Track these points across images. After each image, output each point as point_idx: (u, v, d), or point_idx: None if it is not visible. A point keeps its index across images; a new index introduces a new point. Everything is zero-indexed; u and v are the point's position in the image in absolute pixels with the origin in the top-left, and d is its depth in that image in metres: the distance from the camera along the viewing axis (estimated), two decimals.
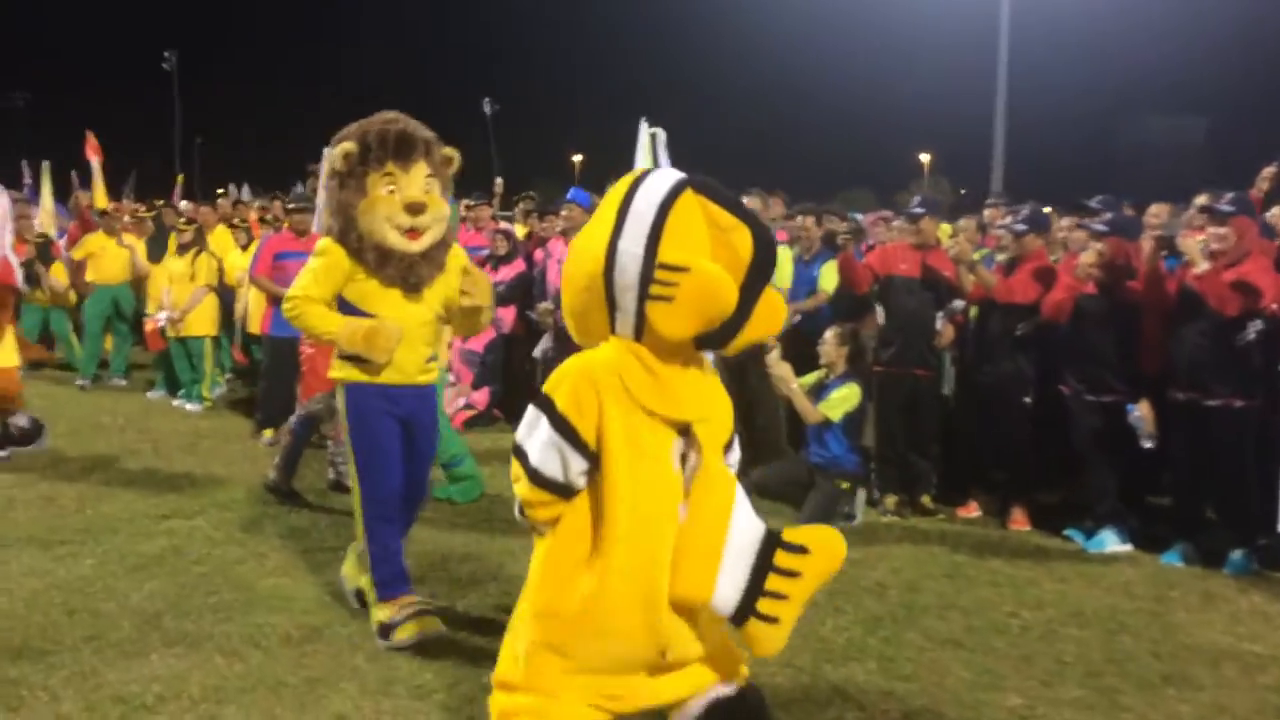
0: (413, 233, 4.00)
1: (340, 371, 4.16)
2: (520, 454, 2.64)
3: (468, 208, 10.55)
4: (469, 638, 4.16)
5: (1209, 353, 5.21)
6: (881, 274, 6.35)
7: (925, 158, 59.28)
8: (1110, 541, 5.60)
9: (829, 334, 6.08)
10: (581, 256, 2.65)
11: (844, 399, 5.93)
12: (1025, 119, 28.22)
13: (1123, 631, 4.51)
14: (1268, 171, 6.55)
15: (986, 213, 7.66)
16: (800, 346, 6.45)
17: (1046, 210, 6.88)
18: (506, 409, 8.91)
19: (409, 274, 4.05)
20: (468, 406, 8.72)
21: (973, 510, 6.24)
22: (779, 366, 5.93)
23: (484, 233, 9.77)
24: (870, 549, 5.55)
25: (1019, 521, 6.01)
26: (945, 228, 7.25)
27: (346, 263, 4.05)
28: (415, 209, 3.97)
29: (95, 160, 11.48)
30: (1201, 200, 5.76)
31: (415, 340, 4.15)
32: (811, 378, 6.16)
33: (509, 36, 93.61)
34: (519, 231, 10.17)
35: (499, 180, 10.71)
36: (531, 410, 2.63)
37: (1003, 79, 22.57)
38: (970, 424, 6.39)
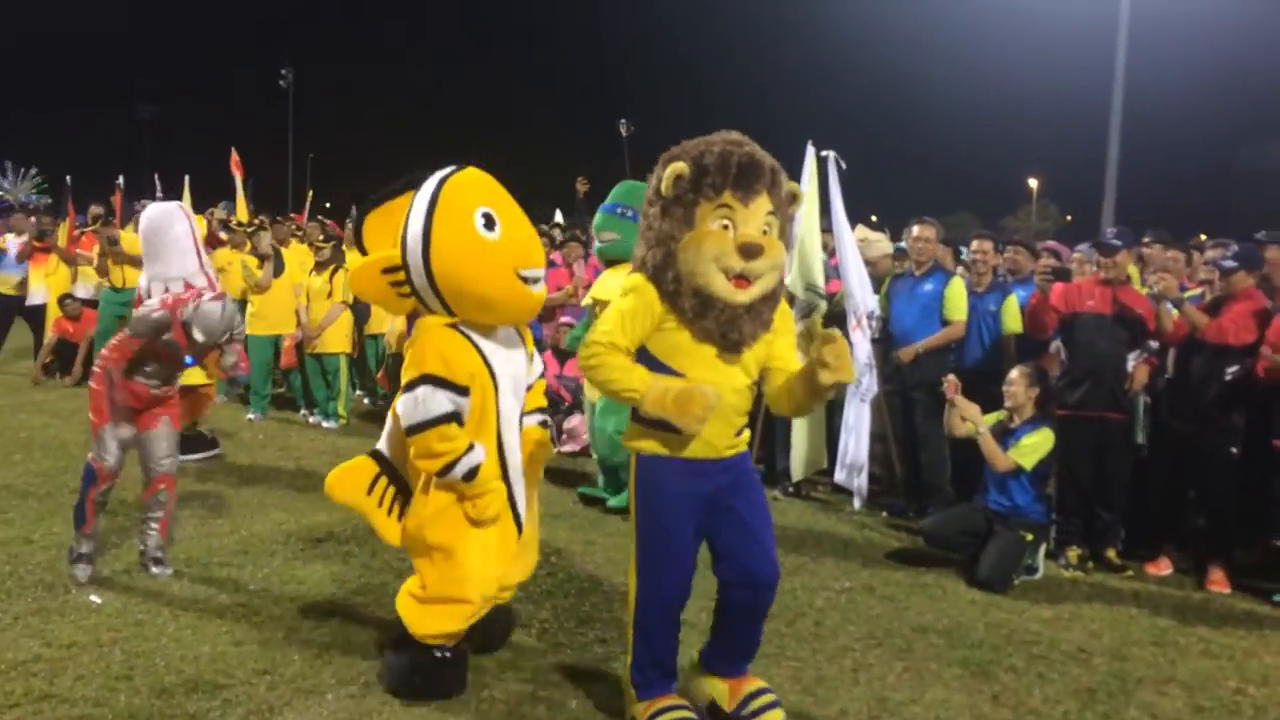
0: (742, 280, 3.26)
1: (635, 439, 3.49)
2: None
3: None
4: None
5: None
6: (1065, 311, 5.93)
7: (1033, 182, 57.92)
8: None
9: (1016, 374, 5.70)
10: None
11: (1036, 445, 5.54)
12: (1139, 144, 27.17)
13: None
14: None
15: (1145, 250, 7.17)
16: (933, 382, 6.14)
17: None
18: None
19: (730, 329, 3.31)
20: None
21: (1164, 568, 5.77)
22: (967, 408, 5.59)
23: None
24: (1060, 607, 5.17)
25: (1218, 583, 5.53)
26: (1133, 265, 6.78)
27: (658, 306, 3.34)
28: (750, 251, 3.22)
29: (239, 175, 11.66)
30: None
31: (726, 409, 3.40)
32: (991, 418, 5.79)
33: (629, 53, 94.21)
34: None
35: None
36: None
37: (1118, 101, 21.71)
38: (1165, 475, 5.91)
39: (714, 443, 3.43)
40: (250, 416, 9.38)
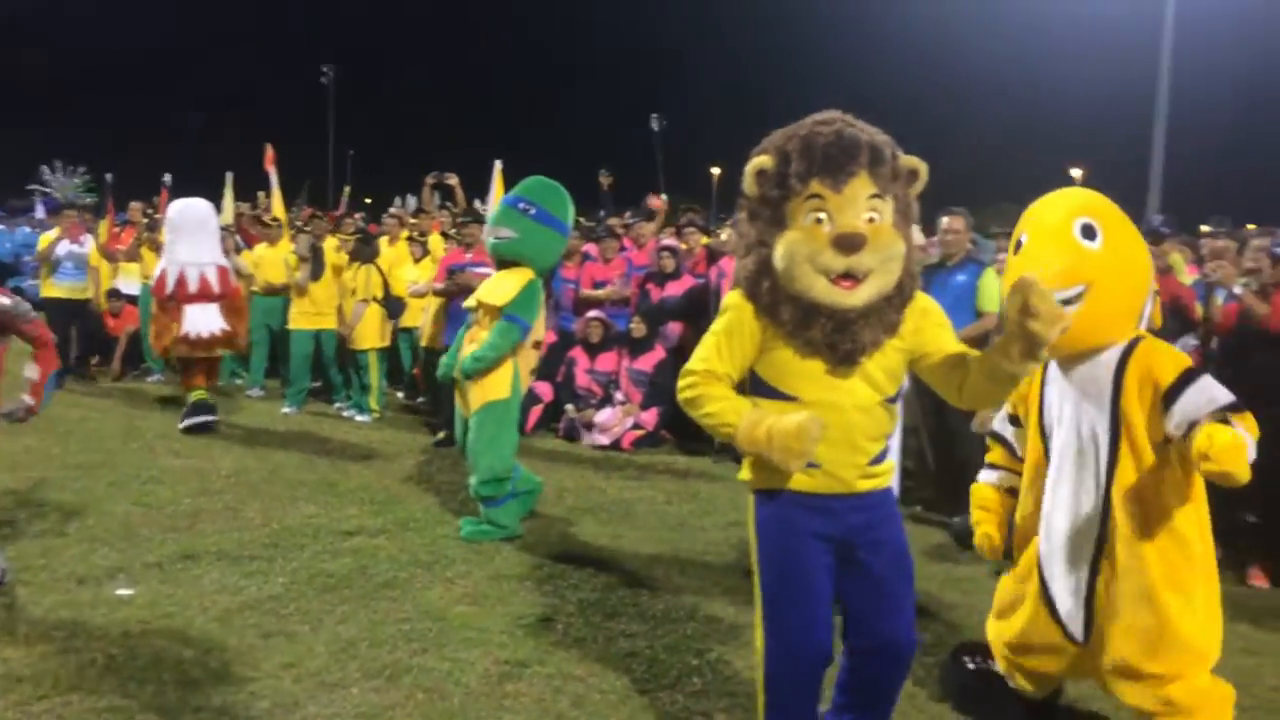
0: (847, 279, 2.78)
1: (748, 472, 3.08)
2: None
3: (625, 226, 10.43)
4: (672, 686, 3.89)
5: None
6: None
7: (1077, 173, 57.10)
8: None
9: None
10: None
11: None
12: (1185, 136, 26.67)
13: None
14: None
15: (1204, 241, 7.02)
16: None
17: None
18: (675, 430, 8.68)
19: (839, 339, 2.83)
20: (636, 427, 8.52)
21: None
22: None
23: (645, 251, 9.60)
24: None
25: (1258, 578, 5.43)
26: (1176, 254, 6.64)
27: (755, 324, 2.91)
28: (849, 244, 2.75)
29: (273, 171, 11.77)
30: None
31: (852, 432, 2.92)
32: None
33: (654, 52, 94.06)
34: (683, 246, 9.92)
35: (664, 197, 10.50)
36: (1210, 378, 3.03)
37: (1163, 92, 21.39)
38: None
39: (840, 474, 2.95)
40: (286, 410, 9.46)
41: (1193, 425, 2.93)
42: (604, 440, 8.43)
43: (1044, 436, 3.34)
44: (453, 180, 10.40)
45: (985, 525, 3.57)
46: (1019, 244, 3.23)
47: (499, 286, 5.76)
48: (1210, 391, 2.97)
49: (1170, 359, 3.07)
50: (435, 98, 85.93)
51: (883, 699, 3.15)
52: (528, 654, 4.13)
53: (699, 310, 8.57)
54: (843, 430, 2.89)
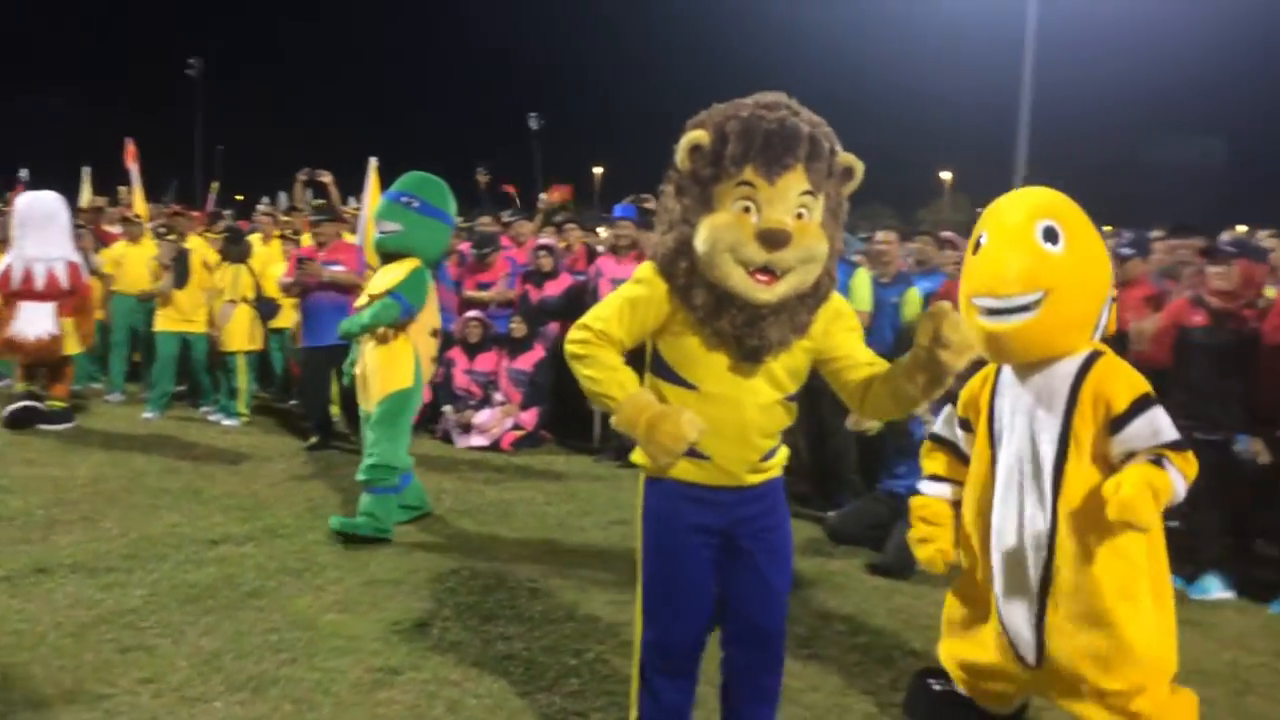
0: (765, 274, 2.70)
1: (639, 456, 2.98)
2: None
3: (504, 224, 10.35)
4: (550, 688, 3.87)
5: None
6: None
7: (946, 175, 59.05)
8: (1214, 588, 5.27)
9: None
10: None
11: None
12: (1047, 138, 27.86)
13: (1249, 691, 4.18)
14: None
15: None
16: None
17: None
18: (556, 430, 8.65)
19: (748, 333, 2.76)
20: (516, 427, 8.46)
21: None
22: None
23: (525, 250, 9.55)
24: None
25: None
26: None
27: (665, 303, 2.83)
28: (773, 240, 2.66)
29: (134, 168, 11.29)
30: None
31: (747, 429, 2.88)
32: None
33: (527, 49, 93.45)
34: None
35: (543, 195, 10.47)
36: (1161, 410, 2.92)
37: (1026, 98, 22.27)
38: None
39: (730, 469, 2.91)
40: (147, 415, 9.09)
41: (1131, 455, 2.88)
42: (483, 441, 8.33)
43: (992, 446, 3.17)
44: (326, 178, 10.15)
45: (938, 542, 3.33)
46: (978, 243, 3.10)
47: (387, 277, 5.77)
48: (1157, 424, 2.88)
49: (1126, 383, 2.95)
50: (309, 93, 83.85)
51: (763, 694, 3.14)
52: (401, 660, 4.05)
53: (578, 309, 8.53)
54: (738, 426, 2.85)
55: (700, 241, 2.73)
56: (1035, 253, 2.94)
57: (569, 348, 2.87)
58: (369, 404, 5.80)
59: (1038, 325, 2.93)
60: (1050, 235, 2.96)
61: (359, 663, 4.02)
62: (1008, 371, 3.14)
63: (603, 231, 9.63)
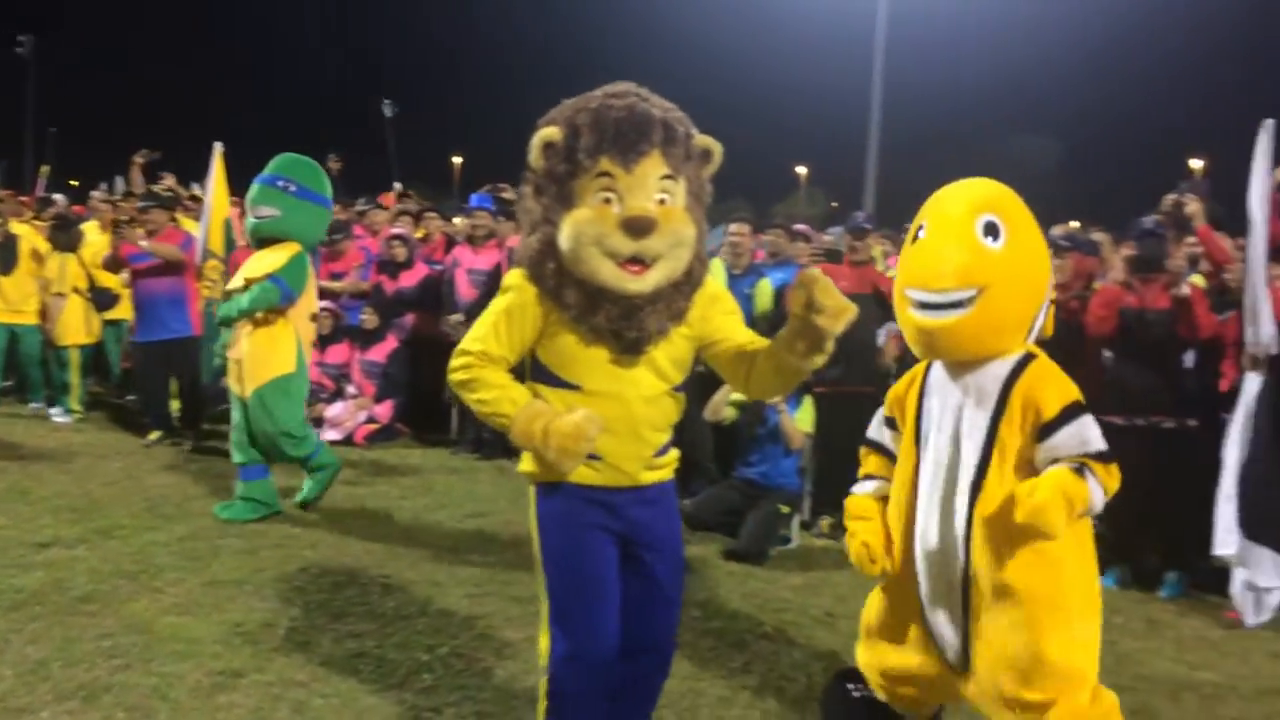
0: (635, 264, 2.65)
1: (529, 464, 2.88)
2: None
3: (359, 213, 10.12)
4: (401, 685, 3.80)
5: (1150, 377, 5.23)
6: None
7: (802, 170, 60.46)
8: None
9: None
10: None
11: (807, 416, 5.82)
12: (897, 135, 28.81)
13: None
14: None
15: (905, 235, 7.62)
16: None
17: None
18: (411, 422, 8.50)
19: (625, 326, 2.70)
20: (370, 420, 8.28)
21: None
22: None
23: (379, 239, 9.36)
24: (811, 574, 5.41)
25: None
26: (878, 246, 7.15)
27: (537, 307, 2.75)
28: (638, 227, 2.61)
29: None
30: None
31: (637, 423, 2.79)
32: (740, 394, 5.94)
33: (382, 35, 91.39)
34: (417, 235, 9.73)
35: (397, 185, 10.25)
36: (1091, 419, 2.78)
37: (877, 96, 23.00)
38: None
39: (623, 467, 2.81)
40: None
41: (1054, 463, 2.80)
42: (335, 435, 8.12)
43: (918, 446, 3.05)
44: (155, 156, 9.70)
45: (863, 534, 3.18)
46: (917, 233, 2.98)
47: (265, 261, 5.73)
48: (1085, 433, 2.80)
49: (1058, 389, 2.84)
50: (152, 76, 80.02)
51: (646, 701, 3.09)
52: (244, 662, 3.91)
53: (435, 300, 8.43)
54: (627, 421, 2.77)
55: (565, 239, 2.67)
56: (974, 248, 2.82)
57: (453, 377, 2.79)
58: (246, 388, 5.75)
59: (970, 323, 2.81)
60: (991, 230, 2.84)
61: (199, 666, 3.86)
62: (938, 370, 3.02)
63: (458, 222, 9.49)
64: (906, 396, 3.13)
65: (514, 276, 2.81)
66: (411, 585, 4.86)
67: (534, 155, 2.75)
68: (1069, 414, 2.79)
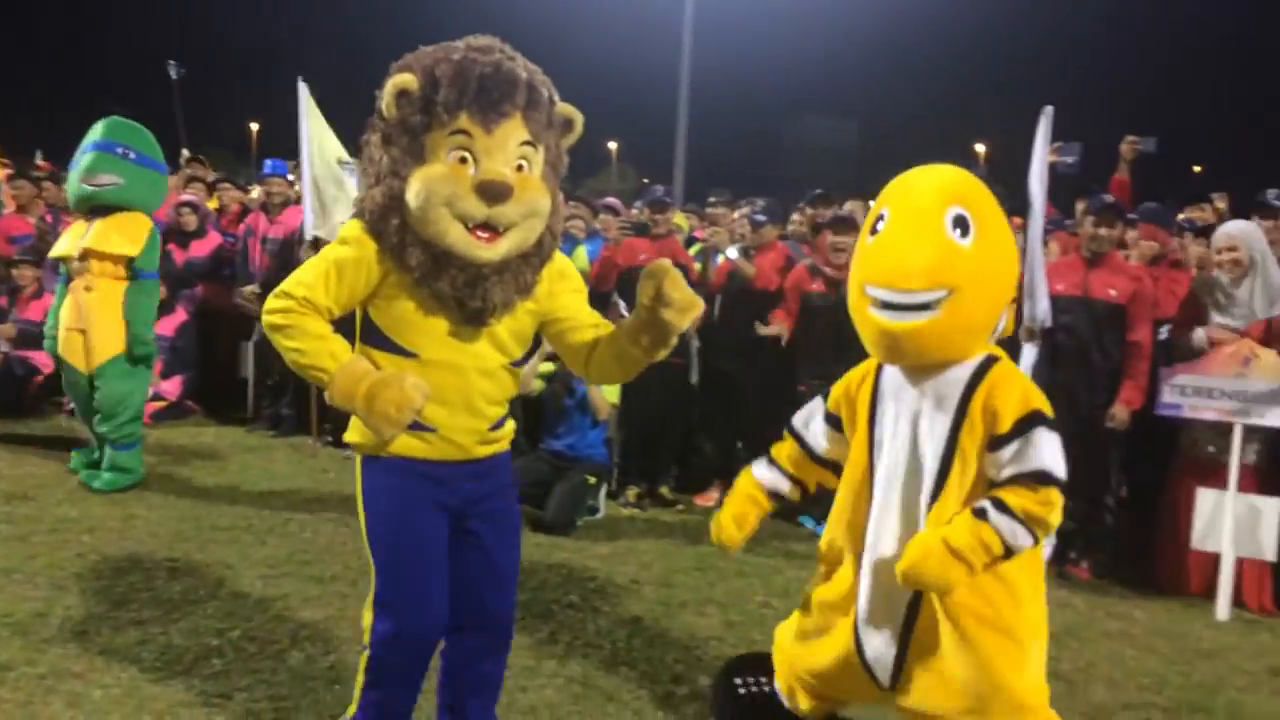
0: (485, 230, 2.53)
1: (356, 434, 2.73)
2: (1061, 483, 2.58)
3: None
4: (188, 671, 3.62)
5: None
6: (624, 265, 6.24)
7: (612, 145, 60.81)
8: (809, 523, 5.86)
9: None
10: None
11: (614, 387, 5.87)
12: (705, 113, 29.38)
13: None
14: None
15: (715, 210, 7.73)
16: None
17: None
18: (204, 400, 8.09)
19: (469, 294, 2.57)
20: (157, 397, 7.80)
21: (712, 499, 6.28)
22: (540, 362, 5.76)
23: (166, 207, 8.81)
24: (617, 543, 5.47)
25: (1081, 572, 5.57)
26: (681, 217, 7.27)
27: (376, 265, 2.59)
28: (494, 192, 2.49)
29: None
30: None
31: (473, 396, 2.68)
32: (548, 366, 5.96)
33: None
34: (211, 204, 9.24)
35: (185, 152, 9.68)
36: (1046, 432, 2.60)
37: (685, 75, 23.37)
38: (716, 413, 6.43)
39: (458, 440, 2.70)
40: None
41: (998, 484, 2.63)
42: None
43: (871, 452, 2.85)
44: None
45: (729, 509, 3.10)
46: (876, 224, 2.72)
47: (114, 235, 5.66)
48: (1028, 448, 2.60)
49: (1018, 397, 2.64)
50: None
51: (486, 683, 2.97)
52: (13, 655, 3.63)
53: (227, 271, 8.04)
54: (463, 394, 2.66)
55: (413, 195, 2.52)
56: (944, 245, 2.60)
57: (268, 319, 2.56)
58: (88, 365, 5.78)
59: (937, 326, 2.60)
60: (961, 225, 2.62)
61: None
62: (893, 372, 2.82)
63: (254, 191, 9.07)
64: (858, 396, 2.91)
65: (353, 228, 2.64)
66: (201, 568, 4.63)
67: (386, 102, 2.56)
68: (1022, 426, 2.61)
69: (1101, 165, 6.52)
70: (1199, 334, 5.17)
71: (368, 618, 2.77)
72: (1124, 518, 5.63)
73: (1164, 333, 5.48)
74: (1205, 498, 4.97)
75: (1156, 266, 6.05)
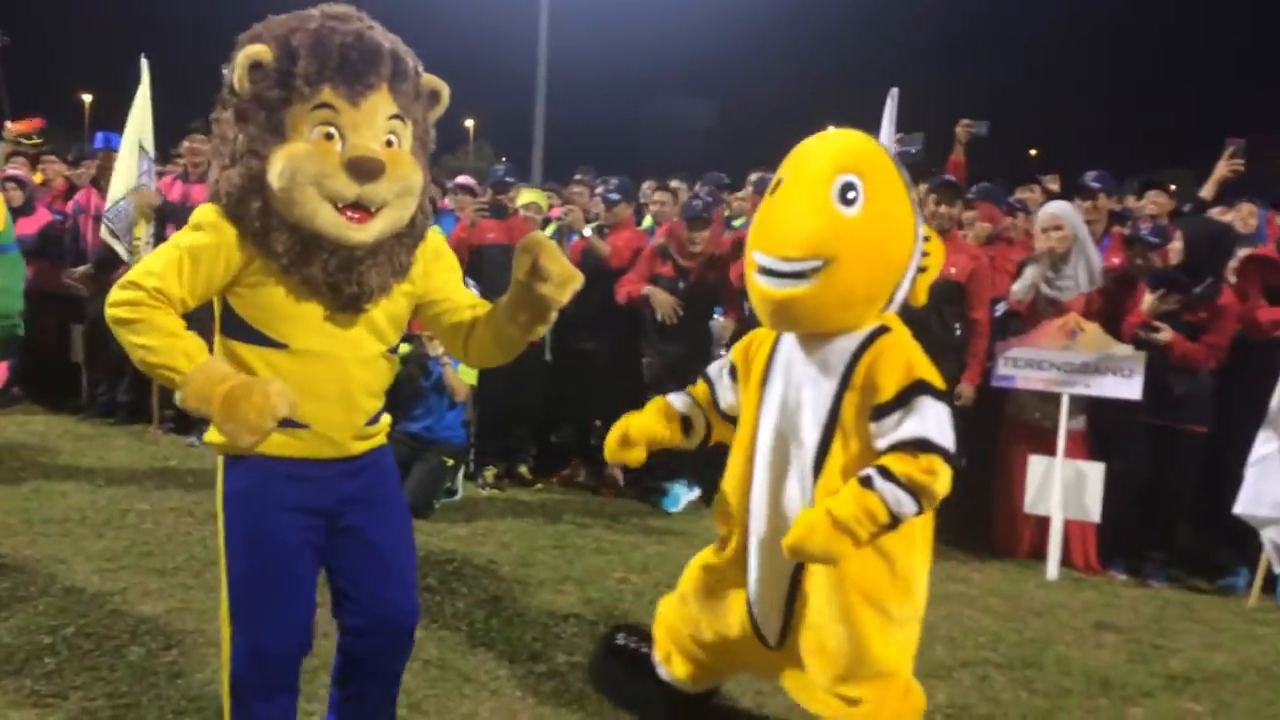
0: (356, 210, 2.35)
1: (216, 435, 2.43)
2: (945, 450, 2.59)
3: None
4: (18, 671, 3.44)
5: None
6: (474, 244, 6.17)
7: (469, 123, 59.93)
8: (682, 495, 5.95)
9: None
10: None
11: (469, 370, 5.80)
12: (563, 92, 29.23)
13: None
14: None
15: (575, 188, 7.72)
16: None
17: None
18: (33, 386, 7.64)
19: (344, 279, 2.39)
20: None
21: (576, 477, 6.36)
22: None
23: None
24: (476, 524, 5.45)
25: (612, 490, 6.20)
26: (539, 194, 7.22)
27: (238, 252, 2.37)
28: (364, 170, 2.32)
29: None
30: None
31: (351, 388, 2.49)
32: (404, 347, 5.86)
33: None
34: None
35: (8, 124, 9.09)
36: (931, 401, 2.60)
37: (543, 50, 23.23)
38: (571, 392, 6.44)
39: (333, 436, 2.49)
40: None
41: (882, 452, 2.62)
42: None
43: (759, 411, 2.85)
44: None
45: (634, 419, 3.06)
46: (776, 186, 2.73)
47: None
48: (910, 417, 2.59)
49: (899, 366, 2.63)
50: None
51: (387, 680, 2.76)
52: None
53: (56, 249, 7.62)
54: (339, 385, 2.46)
55: (275, 176, 2.32)
56: (825, 213, 2.57)
57: (112, 311, 2.30)
58: None
59: (812, 297, 2.59)
60: (849, 192, 2.59)
61: None
62: (790, 338, 2.82)
63: (88, 165, 8.58)
64: (756, 355, 2.91)
65: (207, 213, 2.40)
66: (31, 564, 4.39)
67: (238, 75, 2.35)
68: (905, 395, 2.60)
69: (944, 153, 6.79)
70: (1165, 333, 5.10)
71: (225, 631, 2.55)
72: (959, 485, 5.90)
73: (999, 309, 5.74)
74: (1036, 464, 5.25)
75: (992, 245, 6.32)
